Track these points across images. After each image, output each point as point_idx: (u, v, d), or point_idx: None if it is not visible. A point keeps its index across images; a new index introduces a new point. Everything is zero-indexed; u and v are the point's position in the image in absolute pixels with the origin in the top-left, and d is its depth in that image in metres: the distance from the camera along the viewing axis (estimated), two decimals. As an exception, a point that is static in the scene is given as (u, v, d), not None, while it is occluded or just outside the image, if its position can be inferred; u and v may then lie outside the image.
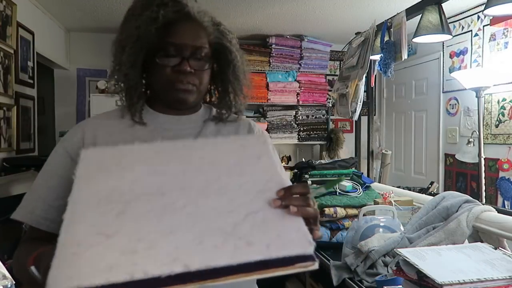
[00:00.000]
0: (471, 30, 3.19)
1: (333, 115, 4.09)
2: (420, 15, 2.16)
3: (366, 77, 2.59)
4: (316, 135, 4.21)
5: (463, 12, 3.26)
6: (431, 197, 1.71)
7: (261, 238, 0.57)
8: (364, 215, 1.63)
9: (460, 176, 3.38)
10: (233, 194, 0.65)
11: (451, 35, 2.18)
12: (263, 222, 0.60)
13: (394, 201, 1.82)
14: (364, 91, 2.70)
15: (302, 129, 4.15)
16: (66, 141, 0.89)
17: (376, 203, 1.84)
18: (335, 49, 4.18)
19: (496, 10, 1.79)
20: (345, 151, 4.07)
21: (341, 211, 1.88)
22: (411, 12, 2.29)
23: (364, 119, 3.01)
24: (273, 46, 3.93)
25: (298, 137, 4.14)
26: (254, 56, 3.94)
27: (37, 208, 0.85)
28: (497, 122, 2.96)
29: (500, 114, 2.93)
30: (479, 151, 2.41)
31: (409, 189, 2.73)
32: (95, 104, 3.25)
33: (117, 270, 0.52)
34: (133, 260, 0.53)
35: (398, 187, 2.72)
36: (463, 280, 0.94)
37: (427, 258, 1.06)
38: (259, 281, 0.92)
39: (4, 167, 2.41)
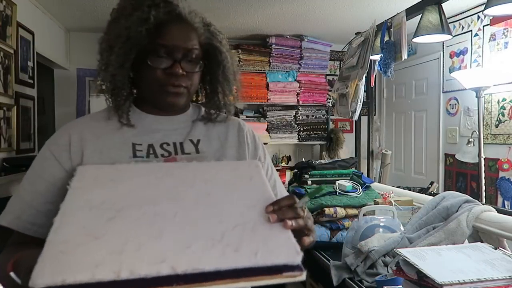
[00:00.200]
0: (471, 30, 3.19)
1: (333, 115, 4.10)
2: (420, 15, 2.16)
3: (366, 77, 2.59)
4: (316, 135, 4.21)
5: (463, 12, 3.26)
6: (431, 197, 1.71)
7: (249, 246, 0.57)
8: (364, 215, 1.63)
9: (460, 176, 3.38)
10: (223, 206, 0.66)
11: (451, 35, 2.18)
12: (251, 232, 0.61)
13: (394, 201, 1.82)
14: (364, 91, 2.70)
15: (302, 129, 4.15)
16: (52, 144, 0.86)
17: (376, 203, 1.84)
18: (335, 49, 4.18)
19: (496, 10, 1.79)
20: (345, 151, 4.08)
21: (341, 211, 1.88)
22: (411, 12, 2.29)
23: (364, 119, 3.01)
24: (273, 46, 3.93)
25: (298, 137, 4.14)
26: (254, 56, 3.94)
27: (24, 213, 0.82)
28: (497, 122, 2.96)
29: (500, 114, 2.93)
30: (479, 151, 2.41)
31: (409, 189, 2.72)
32: (95, 104, 3.25)
33: (103, 268, 0.52)
34: (120, 259, 0.53)
35: (398, 187, 2.72)
36: (463, 280, 0.94)
37: (427, 258, 1.06)
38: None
39: (4, 167, 2.41)
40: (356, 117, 2.68)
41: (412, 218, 1.64)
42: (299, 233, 0.68)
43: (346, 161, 2.27)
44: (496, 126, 2.97)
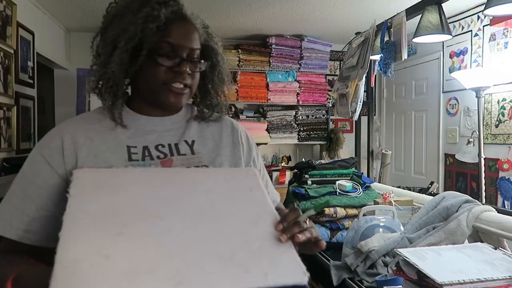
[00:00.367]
0: (471, 30, 3.19)
1: (333, 115, 4.09)
2: (420, 15, 2.16)
3: (366, 77, 2.59)
4: (316, 135, 4.21)
5: (463, 12, 3.26)
6: (431, 197, 1.71)
7: (259, 266, 0.60)
8: (364, 215, 1.63)
9: (460, 176, 3.38)
10: (228, 221, 0.67)
11: (451, 35, 2.18)
12: (258, 250, 0.63)
13: (394, 201, 1.82)
14: (364, 91, 2.70)
15: (302, 129, 4.15)
16: (44, 147, 0.82)
17: (376, 203, 1.84)
18: (335, 49, 4.18)
19: (496, 10, 1.79)
20: (345, 151, 4.07)
21: (341, 211, 1.88)
22: (411, 12, 2.29)
23: (364, 119, 3.01)
24: (273, 46, 3.93)
25: (298, 137, 4.14)
26: (254, 56, 3.94)
27: (15, 220, 0.78)
28: (497, 122, 2.96)
29: (500, 114, 2.93)
30: (479, 151, 2.41)
31: (409, 189, 2.72)
32: (95, 104, 3.25)
33: None
34: (135, 283, 0.53)
35: (398, 187, 2.71)
36: (463, 280, 0.94)
37: (427, 258, 1.06)
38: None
39: (4, 167, 2.42)
40: (356, 117, 2.68)
41: (412, 218, 1.64)
42: (308, 244, 0.71)
43: (346, 161, 2.27)
44: (496, 126, 2.97)
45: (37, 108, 3.06)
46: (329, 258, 1.69)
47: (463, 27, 3.28)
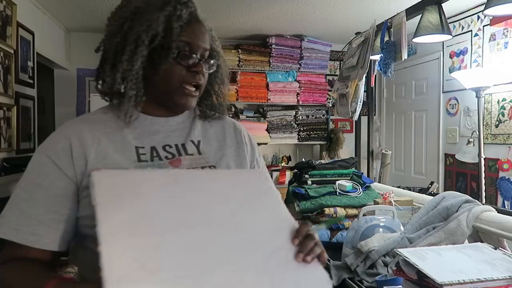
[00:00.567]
0: (471, 30, 3.19)
1: (333, 115, 4.10)
2: (420, 15, 2.16)
3: (366, 77, 2.59)
4: (316, 135, 4.21)
5: (463, 12, 3.26)
6: (431, 197, 1.71)
7: (290, 277, 0.66)
8: (364, 215, 1.63)
9: (460, 176, 3.38)
10: (252, 230, 0.71)
11: (451, 35, 2.18)
12: (286, 260, 0.68)
13: (394, 201, 1.82)
14: (364, 91, 2.70)
15: (302, 129, 4.15)
16: (49, 149, 0.80)
17: (376, 203, 1.84)
18: (335, 49, 4.18)
19: (496, 10, 1.79)
20: (345, 151, 4.08)
21: (341, 211, 1.88)
22: (411, 12, 2.29)
23: (364, 119, 3.01)
24: (273, 46, 3.93)
25: (298, 137, 4.14)
26: (254, 56, 3.94)
27: (22, 224, 0.75)
28: (497, 122, 2.96)
29: (500, 114, 2.93)
30: (479, 151, 2.41)
31: (409, 189, 2.72)
32: (95, 104, 3.25)
33: None
34: None
35: (398, 187, 2.71)
36: (463, 280, 0.94)
37: (427, 258, 1.06)
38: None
39: (4, 167, 2.42)
40: (356, 117, 2.68)
41: (412, 218, 1.64)
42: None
43: (346, 161, 2.27)
44: (496, 126, 2.97)
45: (37, 108, 3.06)
46: (329, 258, 1.69)
47: (463, 27, 3.28)
